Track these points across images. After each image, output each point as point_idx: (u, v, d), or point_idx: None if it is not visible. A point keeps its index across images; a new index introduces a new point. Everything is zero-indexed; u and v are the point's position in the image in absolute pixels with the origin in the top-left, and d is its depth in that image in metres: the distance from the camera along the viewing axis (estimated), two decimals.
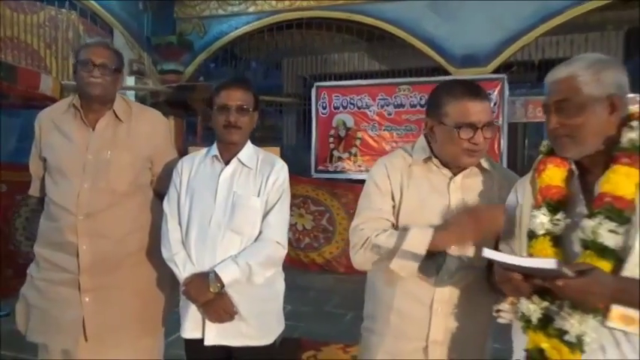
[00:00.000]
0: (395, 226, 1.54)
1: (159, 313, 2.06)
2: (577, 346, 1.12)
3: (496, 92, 6.01)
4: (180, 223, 1.88)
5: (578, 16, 5.98)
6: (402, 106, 6.50)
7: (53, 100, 3.71)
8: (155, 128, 2.07)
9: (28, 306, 1.99)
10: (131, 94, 6.68)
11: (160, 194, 2.03)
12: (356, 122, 6.70)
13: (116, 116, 1.97)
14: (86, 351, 1.90)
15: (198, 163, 1.92)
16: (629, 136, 1.18)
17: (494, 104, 5.93)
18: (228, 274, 1.76)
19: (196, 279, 1.78)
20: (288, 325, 2.03)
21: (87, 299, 1.90)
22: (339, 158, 6.81)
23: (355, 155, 6.75)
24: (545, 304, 1.18)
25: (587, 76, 1.19)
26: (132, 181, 1.96)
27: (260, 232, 1.84)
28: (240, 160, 1.88)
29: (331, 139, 6.83)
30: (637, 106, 1.29)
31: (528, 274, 1.11)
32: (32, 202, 3.66)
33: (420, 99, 6.28)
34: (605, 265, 1.10)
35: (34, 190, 2.08)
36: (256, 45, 8.01)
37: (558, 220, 1.22)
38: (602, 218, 1.12)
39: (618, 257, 1.11)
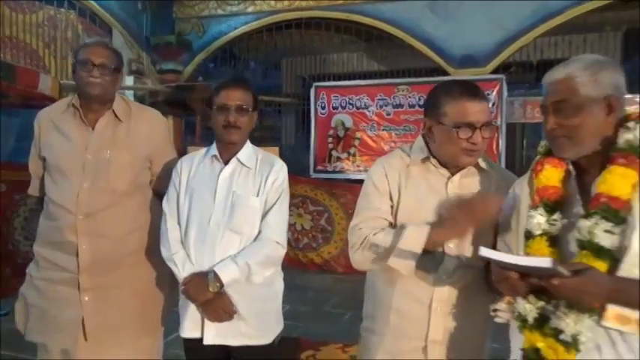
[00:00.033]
0: (393, 226, 1.54)
1: (158, 312, 2.07)
2: (572, 345, 1.13)
3: (494, 93, 6.02)
4: (179, 223, 1.88)
5: (576, 16, 5.99)
6: (400, 106, 6.50)
7: (52, 100, 3.72)
8: (154, 128, 2.07)
9: (27, 305, 1.99)
10: (130, 93, 6.68)
11: (159, 194, 2.03)
12: (355, 122, 6.70)
13: (115, 116, 1.97)
14: (85, 350, 1.91)
15: (197, 162, 1.93)
16: (625, 136, 1.19)
17: (493, 104, 5.94)
18: (227, 274, 1.76)
19: (195, 278, 1.79)
20: (287, 325, 2.04)
21: (86, 298, 1.90)
22: (338, 158, 6.81)
23: (354, 155, 6.75)
24: (542, 303, 1.19)
25: (584, 77, 1.20)
26: (131, 181, 1.97)
27: (259, 232, 1.85)
28: (239, 160, 1.88)
29: (330, 139, 6.83)
30: (636, 106, 1.30)
31: (524, 273, 1.12)
32: (31, 201, 3.68)
33: (419, 99, 6.28)
34: (601, 265, 1.11)
35: (33, 190, 2.08)
36: (255, 45, 8.02)
37: (555, 220, 1.23)
38: (598, 218, 1.13)
39: (614, 257, 1.12)
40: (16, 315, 2.03)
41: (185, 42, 7.39)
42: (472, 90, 1.49)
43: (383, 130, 6.59)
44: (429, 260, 1.48)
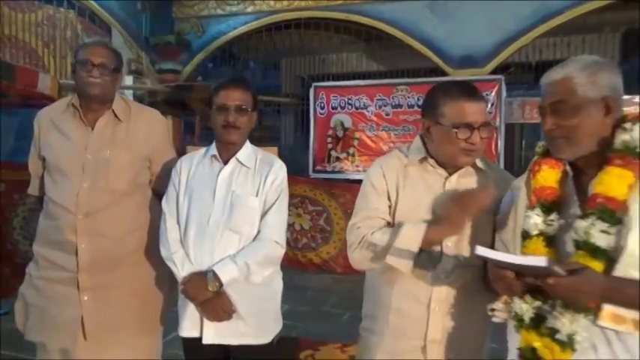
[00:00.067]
0: (391, 226, 1.55)
1: (157, 312, 2.07)
2: (568, 344, 1.14)
3: (493, 93, 6.03)
4: (178, 223, 1.89)
5: (575, 17, 6.01)
6: (399, 106, 6.51)
7: (51, 99, 3.72)
8: (154, 128, 2.08)
9: (26, 305, 1.99)
10: (129, 93, 6.68)
11: (158, 193, 2.04)
12: (354, 122, 6.71)
13: (115, 116, 1.98)
14: (85, 350, 1.91)
15: (196, 162, 1.93)
16: (622, 137, 1.20)
17: (492, 105, 5.96)
18: (226, 273, 1.77)
19: (195, 278, 1.79)
20: (286, 325, 2.04)
21: (86, 298, 1.90)
22: (337, 158, 6.82)
23: (353, 155, 6.76)
24: (538, 303, 1.19)
25: (582, 78, 1.20)
26: (131, 181, 1.97)
27: (258, 232, 1.85)
28: (238, 160, 1.89)
29: (329, 140, 6.84)
30: (635, 107, 1.30)
31: (520, 272, 1.13)
32: (30, 201, 3.68)
33: (418, 99, 6.29)
34: (597, 266, 1.12)
35: (33, 189, 2.09)
36: (254, 45, 8.02)
37: (552, 220, 1.24)
38: (594, 219, 1.14)
39: (610, 258, 1.12)
40: (16, 314, 2.03)
41: (184, 42, 7.39)
42: (470, 90, 1.50)
43: (382, 130, 6.60)
44: (427, 259, 1.49)
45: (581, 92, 1.20)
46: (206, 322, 1.81)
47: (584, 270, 1.07)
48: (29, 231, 4.11)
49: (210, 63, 8.08)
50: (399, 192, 1.56)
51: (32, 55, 6.35)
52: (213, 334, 1.82)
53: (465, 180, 1.55)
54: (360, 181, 1.69)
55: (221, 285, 1.76)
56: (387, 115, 6.56)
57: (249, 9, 7.31)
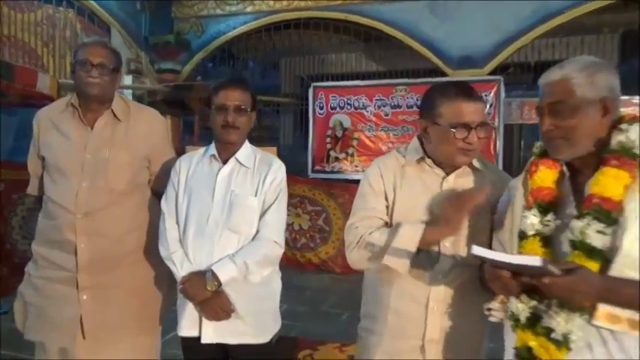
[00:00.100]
0: (389, 226, 1.56)
1: (156, 311, 2.08)
2: (563, 344, 1.14)
3: (492, 94, 6.04)
4: (177, 222, 1.89)
5: (574, 18, 6.01)
6: (398, 106, 6.51)
7: (50, 99, 3.73)
8: (153, 127, 2.08)
9: (25, 304, 1.99)
10: (128, 93, 6.68)
11: (157, 193, 2.04)
12: (353, 123, 6.71)
13: (114, 115, 1.98)
14: (84, 349, 1.91)
15: (196, 162, 1.93)
16: (618, 138, 1.20)
17: (491, 105, 5.96)
18: (225, 273, 1.77)
19: (194, 277, 1.80)
20: (285, 325, 2.05)
21: (85, 297, 1.91)
22: (336, 158, 6.82)
23: (352, 155, 6.76)
24: (534, 303, 1.20)
25: (580, 79, 1.21)
26: (130, 180, 1.97)
27: (257, 231, 1.86)
28: (237, 160, 1.89)
29: (328, 140, 6.84)
30: (634, 108, 1.31)
31: (516, 271, 1.13)
32: (29, 200, 3.68)
33: (417, 100, 6.29)
34: (593, 266, 1.12)
35: (32, 189, 2.09)
36: (254, 45, 8.02)
37: (549, 221, 1.25)
38: (590, 219, 1.14)
39: (605, 258, 1.13)
40: (15, 314, 2.03)
41: (184, 42, 7.39)
42: (467, 91, 1.50)
43: (381, 130, 6.60)
44: (425, 259, 1.50)
45: (580, 93, 1.20)
46: (205, 321, 1.82)
47: (580, 269, 1.08)
48: (28, 230, 4.11)
49: (209, 63, 8.08)
50: (396, 192, 1.57)
51: (31, 55, 6.34)
52: (212, 333, 1.82)
53: (462, 180, 1.55)
54: (359, 182, 1.69)
55: (220, 284, 1.77)
56: (386, 115, 6.57)
57: (249, 9, 7.30)
